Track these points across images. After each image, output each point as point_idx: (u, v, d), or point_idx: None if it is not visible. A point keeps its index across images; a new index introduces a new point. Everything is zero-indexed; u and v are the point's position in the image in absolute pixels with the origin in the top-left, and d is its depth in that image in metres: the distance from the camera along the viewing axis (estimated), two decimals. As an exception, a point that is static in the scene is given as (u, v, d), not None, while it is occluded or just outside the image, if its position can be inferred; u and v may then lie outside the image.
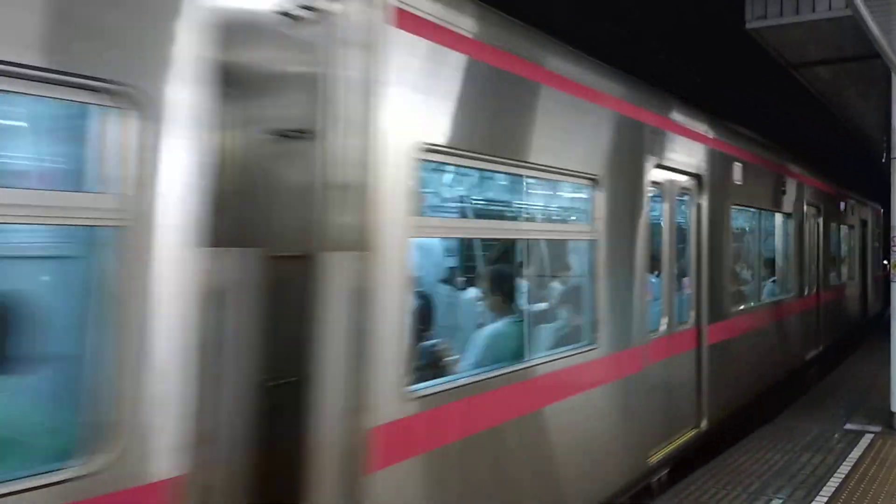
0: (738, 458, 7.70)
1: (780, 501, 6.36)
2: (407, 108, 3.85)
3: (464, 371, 4.72)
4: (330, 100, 3.34)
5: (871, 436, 8.54)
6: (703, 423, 7.99)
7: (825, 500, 6.40)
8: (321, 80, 3.32)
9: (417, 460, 3.95)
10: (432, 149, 4.07)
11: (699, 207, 8.22)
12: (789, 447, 8.10)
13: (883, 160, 17.39)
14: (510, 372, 4.83)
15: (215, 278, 2.84)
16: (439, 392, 4.15)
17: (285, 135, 3.15)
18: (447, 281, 5.89)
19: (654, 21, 11.44)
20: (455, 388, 4.28)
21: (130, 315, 2.59)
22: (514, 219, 5.46)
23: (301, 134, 3.22)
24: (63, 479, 2.39)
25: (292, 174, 3.29)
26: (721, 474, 7.15)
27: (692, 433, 7.77)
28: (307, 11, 3.23)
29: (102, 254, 2.62)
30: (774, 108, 16.44)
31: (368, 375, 3.52)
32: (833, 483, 6.83)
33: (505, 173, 5.13)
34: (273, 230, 3.18)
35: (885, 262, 26.30)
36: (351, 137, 3.44)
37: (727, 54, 12.29)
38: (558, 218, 6.22)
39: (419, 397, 3.94)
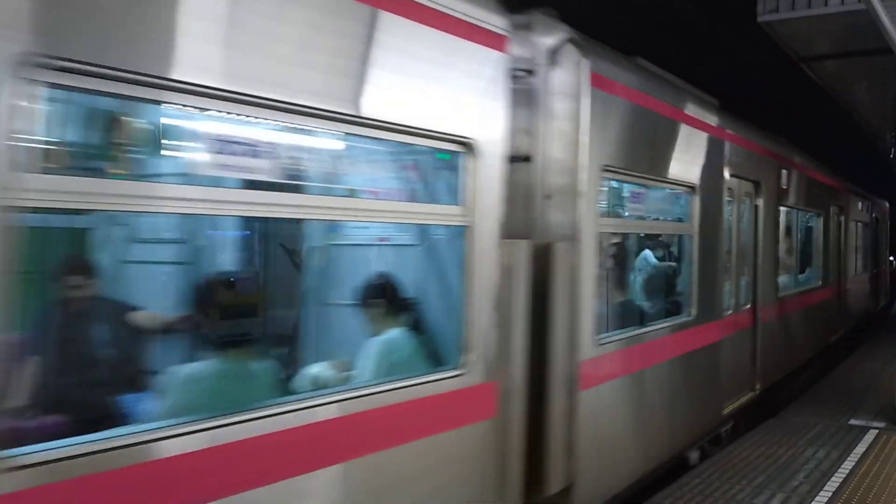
0: (742, 452, 7.72)
1: None
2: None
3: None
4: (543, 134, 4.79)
5: (876, 431, 8.56)
6: (757, 387, 9.58)
7: (829, 495, 6.41)
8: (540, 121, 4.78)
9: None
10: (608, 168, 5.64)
11: (756, 209, 9.37)
12: (793, 442, 8.12)
13: (891, 156, 17.34)
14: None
15: (507, 259, 4.44)
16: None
17: (515, 160, 4.58)
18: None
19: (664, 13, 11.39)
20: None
21: (472, 282, 4.23)
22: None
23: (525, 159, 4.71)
24: (449, 375, 4.22)
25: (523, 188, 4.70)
26: (726, 468, 7.17)
27: (749, 395, 9.29)
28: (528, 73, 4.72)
29: (459, 241, 4.28)
30: (782, 101, 16.38)
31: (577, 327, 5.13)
32: (837, 478, 6.84)
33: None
34: (535, 228, 4.73)
35: (892, 258, 26.20)
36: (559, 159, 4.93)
37: (738, 47, 12.23)
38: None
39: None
